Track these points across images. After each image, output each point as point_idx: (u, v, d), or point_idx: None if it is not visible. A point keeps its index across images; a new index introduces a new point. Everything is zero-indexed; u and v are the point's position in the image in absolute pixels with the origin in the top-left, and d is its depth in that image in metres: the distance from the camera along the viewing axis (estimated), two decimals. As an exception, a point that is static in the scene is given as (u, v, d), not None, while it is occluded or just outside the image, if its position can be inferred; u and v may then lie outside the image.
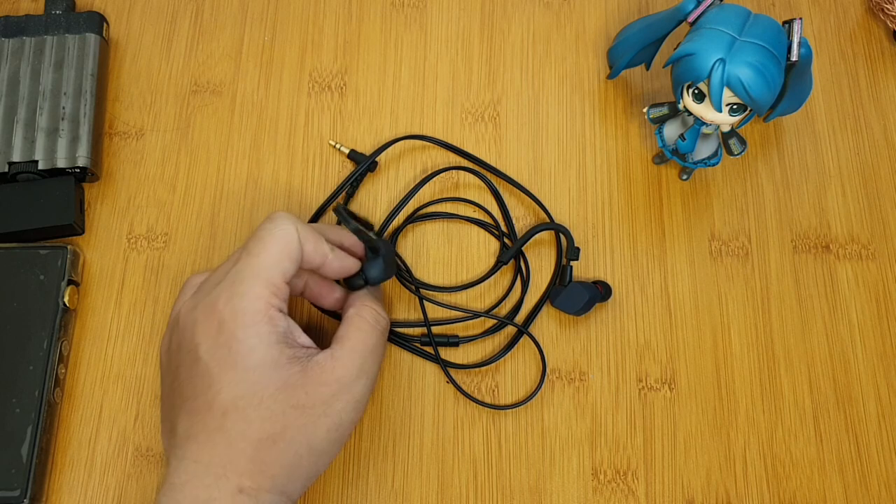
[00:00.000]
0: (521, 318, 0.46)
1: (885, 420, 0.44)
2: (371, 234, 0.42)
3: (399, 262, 0.46)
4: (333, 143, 0.49)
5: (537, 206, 0.48)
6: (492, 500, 0.42)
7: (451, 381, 0.44)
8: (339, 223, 0.41)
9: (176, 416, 0.36)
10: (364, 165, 0.48)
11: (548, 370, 0.45)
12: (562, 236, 0.47)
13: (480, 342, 0.45)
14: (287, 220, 0.38)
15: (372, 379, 0.38)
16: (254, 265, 0.36)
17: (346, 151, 0.49)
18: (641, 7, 0.53)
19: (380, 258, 0.41)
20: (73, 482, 0.42)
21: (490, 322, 0.46)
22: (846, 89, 0.52)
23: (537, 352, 0.45)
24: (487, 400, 0.44)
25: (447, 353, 0.45)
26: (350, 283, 0.41)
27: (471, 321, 0.46)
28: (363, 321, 0.38)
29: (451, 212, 0.48)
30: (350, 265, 0.40)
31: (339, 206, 0.42)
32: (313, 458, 0.36)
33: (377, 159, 0.49)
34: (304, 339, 0.37)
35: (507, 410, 0.44)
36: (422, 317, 0.45)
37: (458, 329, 0.45)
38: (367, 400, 0.38)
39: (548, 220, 0.47)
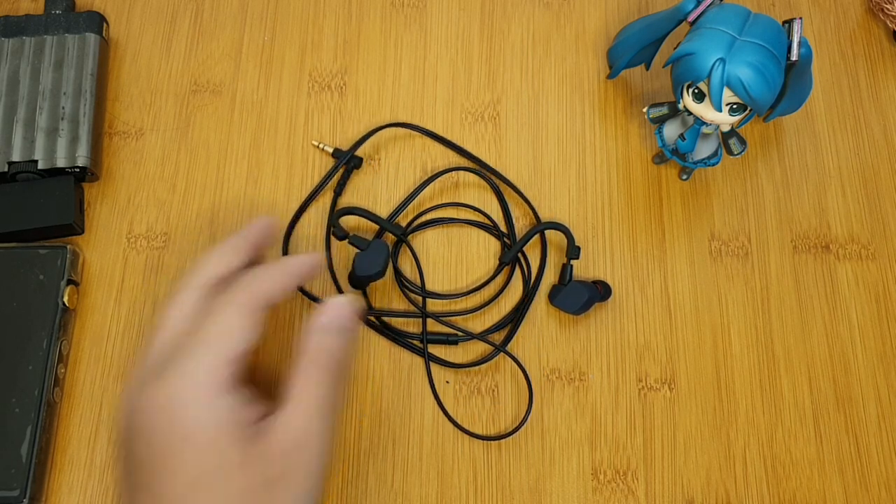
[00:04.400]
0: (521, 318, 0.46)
1: (885, 420, 0.44)
2: (385, 226, 0.45)
3: (405, 274, 0.47)
4: (316, 144, 0.49)
5: (536, 206, 0.48)
6: (492, 500, 0.42)
7: (445, 412, 0.44)
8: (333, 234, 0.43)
9: (135, 502, 0.33)
10: (343, 161, 0.48)
11: (535, 385, 0.45)
12: (548, 239, 0.47)
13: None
14: (238, 304, 0.35)
15: (331, 427, 0.35)
16: (203, 340, 0.34)
17: (330, 150, 0.49)
18: (641, 7, 0.53)
19: (361, 255, 0.44)
20: (73, 482, 0.42)
21: (491, 319, 0.46)
22: (846, 89, 0.52)
23: (539, 347, 0.45)
24: (487, 400, 0.44)
25: (447, 352, 0.45)
26: (349, 278, 0.45)
27: (471, 315, 0.46)
28: (314, 369, 0.35)
29: (451, 213, 0.48)
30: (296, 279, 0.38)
31: (332, 220, 0.43)
32: None
33: (362, 155, 0.49)
34: (256, 410, 0.34)
35: (495, 433, 0.44)
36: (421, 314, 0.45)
37: (458, 323, 0.45)
38: (330, 451, 0.35)
39: (550, 221, 0.47)
